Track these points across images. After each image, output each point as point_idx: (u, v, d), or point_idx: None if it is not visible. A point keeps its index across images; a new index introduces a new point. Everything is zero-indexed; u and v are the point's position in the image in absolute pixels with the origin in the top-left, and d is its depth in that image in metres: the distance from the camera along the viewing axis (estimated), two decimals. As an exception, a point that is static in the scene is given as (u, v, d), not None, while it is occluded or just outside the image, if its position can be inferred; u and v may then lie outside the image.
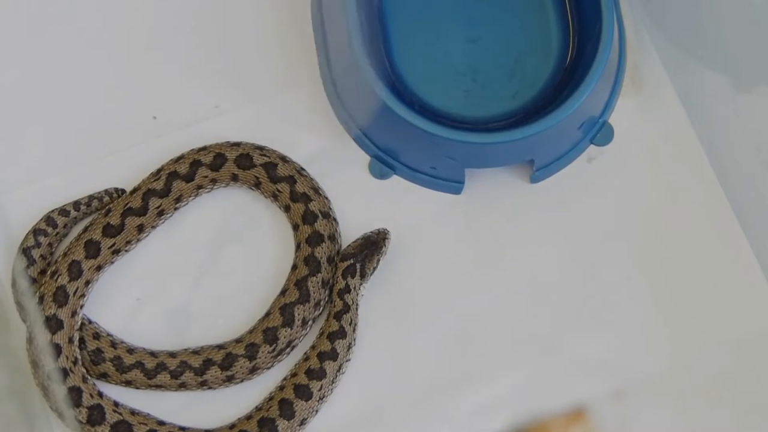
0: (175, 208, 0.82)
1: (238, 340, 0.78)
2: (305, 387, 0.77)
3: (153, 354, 0.78)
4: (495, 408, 0.80)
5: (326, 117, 0.84)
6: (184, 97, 0.85)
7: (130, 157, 0.83)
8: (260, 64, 0.86)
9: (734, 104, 0.81)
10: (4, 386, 0.78)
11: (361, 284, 0.79)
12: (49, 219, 0.80)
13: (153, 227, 0.81)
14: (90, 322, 0.79)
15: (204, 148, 0.82)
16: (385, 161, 0.83)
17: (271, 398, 0.78)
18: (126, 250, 0.81)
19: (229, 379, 0.78)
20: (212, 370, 0.77)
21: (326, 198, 0.82)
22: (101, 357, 0.78)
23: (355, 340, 0.79)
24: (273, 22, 0.86)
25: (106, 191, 0.82)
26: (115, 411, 0.77)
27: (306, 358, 0.79)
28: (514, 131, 0.78)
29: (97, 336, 0.78)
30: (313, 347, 0.79)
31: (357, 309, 0.79)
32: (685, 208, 0.84)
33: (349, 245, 0.80)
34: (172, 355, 0.78)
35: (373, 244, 0.80)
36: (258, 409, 0.78)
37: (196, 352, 0.78)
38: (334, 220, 0.81)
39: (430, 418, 0.80)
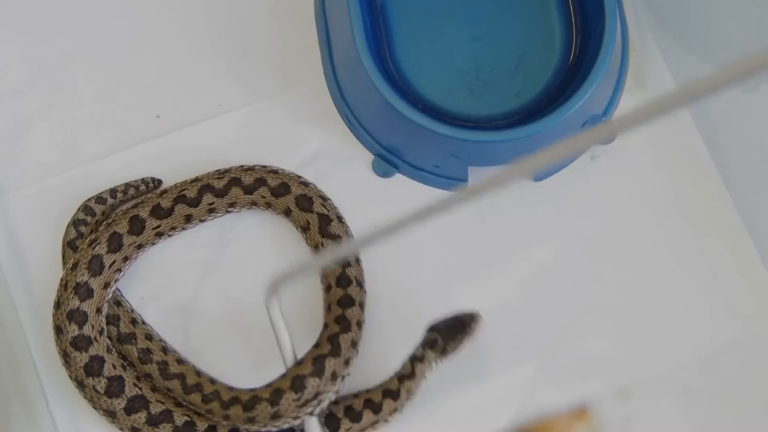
0: (227, 211, 0.82)
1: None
2: (337, 420, 0.76)
3: (198, 373, 0.77)
4: (498, 406, 0.80)
5: (329, 115, 0.84)
6: (188, 95, 0.85)
7: (134, 155, 0.83)
8: (263, 63, 0.86)
9: (737, 102, 0.81)
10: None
11: (436, 359, 0.77)
12: (86, 208, 0.80)
13: (201, 221, 0.81)
14: (143, 322, 0.79)
15: (275, 171, 0.81)
16: (389, 160, 0.83)
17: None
18: (168, 235, 0.80)
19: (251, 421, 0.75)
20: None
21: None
22: (149, 357, 0.77)
23: (403, 409, 0.77)
24: (276, 20, 0.86)
25: (143, 180, 0.82)
26: (135, 385, 0.76)
27: (356, 395, 0.78)
28: (517, 129, 0.78)
29: (149, 337, 0.78)
30: (367, 391, 0.78)
31: (421, 382, 0.77)
32: (688, 206, 0.84)
33: (440, 319, 0.78)
34: (211, 381, 0.77)
35: (462, 325, 0.77)
36: None
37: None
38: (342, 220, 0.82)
39: (433, 416, 0.80)
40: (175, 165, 0.82)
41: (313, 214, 0.81)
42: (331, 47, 0.84)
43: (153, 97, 0.85)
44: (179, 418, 0.76)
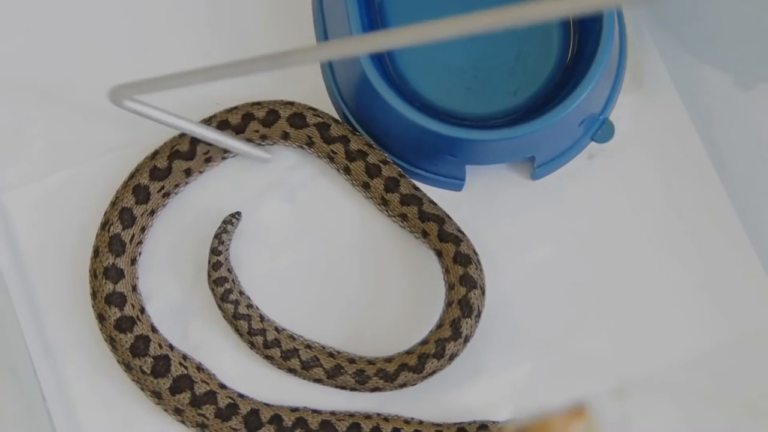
0: (222, 158, 0.81)
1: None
2: None
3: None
4: (496, 405, 0.80)
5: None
6: (185, 93, 0.84)
7: (132, 154, 0.83)
8: (261, 62, 0.86)
9: (735, 101, 0.81)
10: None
11: None
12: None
13: (200, 172, 0.81)
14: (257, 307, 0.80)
15: (258, 103, 0.81)
16: (386, 158, 0.83)
17: (351, 414, 0.78)
18: (175, 193, 0.81)
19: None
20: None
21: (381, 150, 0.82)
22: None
23: None
24: (274, 19, 0.86)
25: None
26: (181, 364, 0.77)
27: (407, 421, 0.78)
28: (515, 128, 0.78)
29: (262, 319, 0.79)
30: (420, 422, 0.79)
31: None
32: (685, 205, 0.84)
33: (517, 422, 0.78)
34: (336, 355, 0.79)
35: None
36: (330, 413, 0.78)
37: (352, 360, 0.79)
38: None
39: (431, 414, 0.80)
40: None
41: (310, 128, 0.80)
42: (329, 46, 0.84)
43: (151, 96, 0.85)
44: (222, 400, 0.76)
